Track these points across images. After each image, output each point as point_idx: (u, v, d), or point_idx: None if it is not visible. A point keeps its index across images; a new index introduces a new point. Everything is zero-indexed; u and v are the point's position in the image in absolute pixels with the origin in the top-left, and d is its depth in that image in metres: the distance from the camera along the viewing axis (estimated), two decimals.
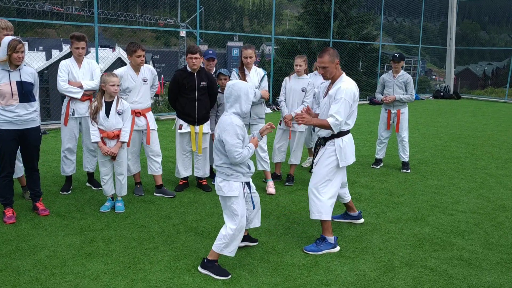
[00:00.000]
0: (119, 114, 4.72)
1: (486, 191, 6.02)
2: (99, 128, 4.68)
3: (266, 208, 5.06)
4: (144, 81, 5.35)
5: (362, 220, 4.79)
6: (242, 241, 3.97)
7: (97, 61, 10.15)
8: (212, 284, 3.46)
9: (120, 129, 4.76)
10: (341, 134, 4.04)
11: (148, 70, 5.45)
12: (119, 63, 29.34)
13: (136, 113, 5.31)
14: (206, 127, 5.61)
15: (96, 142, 4.70)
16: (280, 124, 6.12)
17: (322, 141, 4.14)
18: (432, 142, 9.28)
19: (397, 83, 6.84)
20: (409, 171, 6.91)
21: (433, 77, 55.95)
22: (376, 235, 4.48)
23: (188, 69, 5.41)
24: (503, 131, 10.93)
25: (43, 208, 4.76)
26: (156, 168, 5.52)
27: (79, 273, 3.56)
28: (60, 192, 5.43)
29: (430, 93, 20.99)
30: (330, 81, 4.16)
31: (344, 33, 22.75)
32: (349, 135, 4.13)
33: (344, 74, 4.08)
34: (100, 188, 5.44)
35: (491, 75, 51.41)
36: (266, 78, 5.82)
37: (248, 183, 3.68)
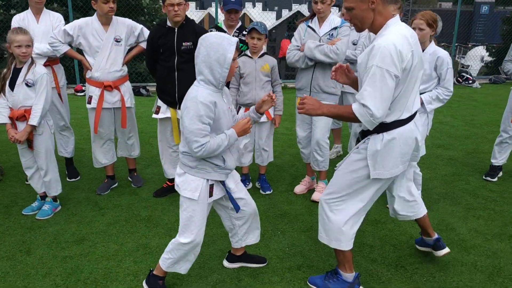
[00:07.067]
0: (28, 85, 3.32)
1: None
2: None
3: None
4: (117, 41, 3.80)
5: (446, 250, 2.91)
6: (237, 261, 2.91)
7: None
8: None
9: (31, 107, 3.36)
10: (387, 127, 2.38)
11: (124, 25, 3.86)
12: None
13: (106, 87, 3.82)
14: None
15: (4, 124, 3.39)
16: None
17: (360, 136, 2.56)
18: None
19: None
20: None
21: None
22: None
23: (168, 23, 3.64)
24: None
25: None
26: (129, 150, 4.31)
27: None
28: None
29: None
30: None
31: None
32: (399, 130, 2.39)
33: (392, 21, 2.33)
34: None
35: None
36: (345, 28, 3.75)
37: (223, 182, 2.52)
